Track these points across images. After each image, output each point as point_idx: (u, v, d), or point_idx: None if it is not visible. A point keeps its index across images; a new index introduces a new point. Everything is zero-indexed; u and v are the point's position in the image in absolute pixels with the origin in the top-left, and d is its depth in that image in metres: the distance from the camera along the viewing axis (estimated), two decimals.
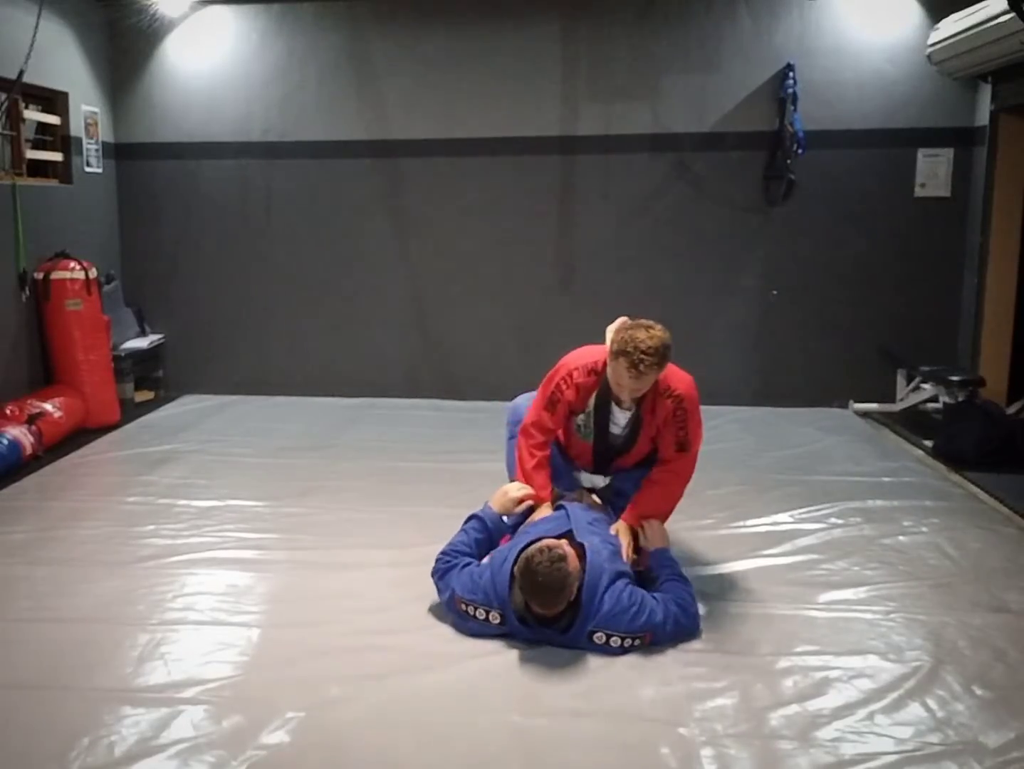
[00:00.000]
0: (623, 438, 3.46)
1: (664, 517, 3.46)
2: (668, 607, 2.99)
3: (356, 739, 2.50)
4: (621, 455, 3.53)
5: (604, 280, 6.62)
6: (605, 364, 3.30)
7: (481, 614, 2.99)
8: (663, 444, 3.40)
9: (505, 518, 3.41)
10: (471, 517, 3.38)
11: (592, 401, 3.40)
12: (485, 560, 3.19)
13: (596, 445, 3.51)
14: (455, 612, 3.09)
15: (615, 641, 2.90)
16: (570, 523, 3.18)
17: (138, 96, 6.83)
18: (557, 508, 3.38)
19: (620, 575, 3.00)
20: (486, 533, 3.31)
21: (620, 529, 3.37)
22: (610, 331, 3.34)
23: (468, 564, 3.15)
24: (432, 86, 6.54)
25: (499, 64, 6.48)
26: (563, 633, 2.91)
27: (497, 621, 2.97)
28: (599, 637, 2.90)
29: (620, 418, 3.41)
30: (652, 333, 3.11)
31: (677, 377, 3.35)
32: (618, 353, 3.12)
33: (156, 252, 6.97)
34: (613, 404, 3.38)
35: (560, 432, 3.59)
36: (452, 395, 6.72)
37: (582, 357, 3.42)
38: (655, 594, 3.05)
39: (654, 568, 3.26)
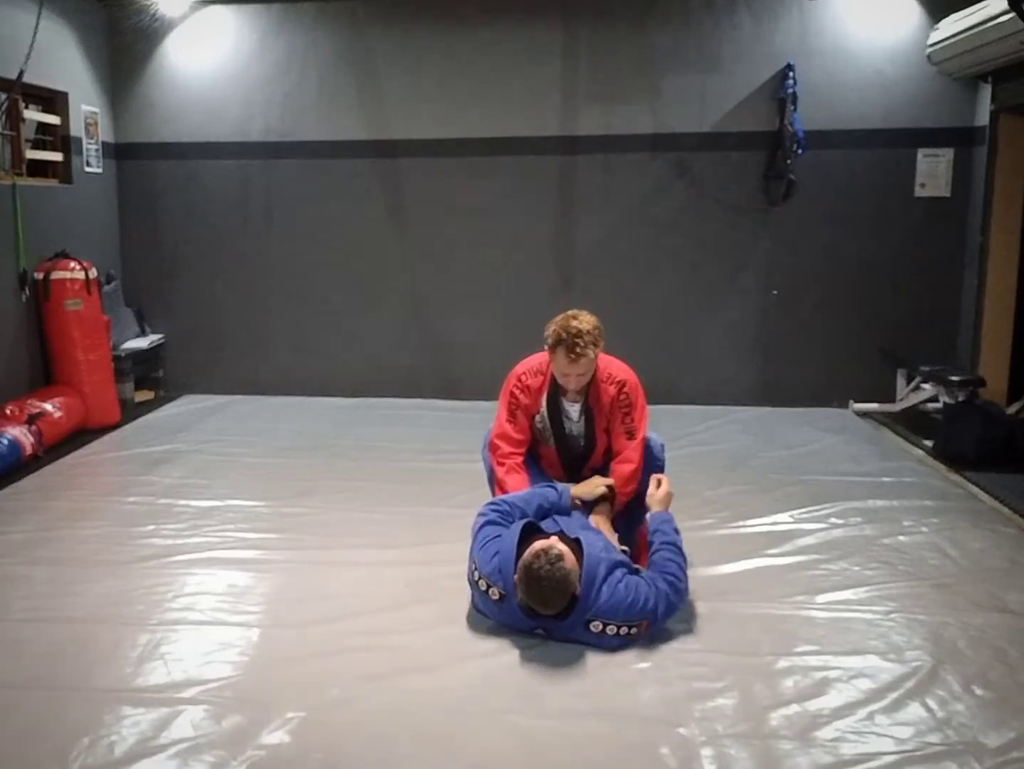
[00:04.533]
0: (581, 435, 3.58)
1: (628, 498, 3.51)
2: (659, 587, 2.99)
3: (356, 739, 2.50)
4: (586, 457, 3.61)
5: (604, 280, 6.62)
6: (549, 363, 3.49)
7: (483, 585, 3.02)
8: (615, 435, 3.53)
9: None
10: (549, 485, 3.41)
11: (544, 400, 3.55)
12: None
13: (559, 447, 3.63)
14: (468, 571, 3.12)
15: (611, 629, 2.91)
16: (558, 525, 3.20)
17: (138, 96, 6.83)
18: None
19: (617, 565, 3.02)
20: (552, 505, 3.31)
21: (598, 521, 3.40)
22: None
23: (502, 533, 3.11)
24: (432, 86, 6.54)
25: (499, 64, 6.48)
26: (561, 621, 2.92)
27: (496, 597, 2.99)
28: (595, 625, 2.90)
29: (572, 412, 3.56)
30: (581, 318, 3.35)
31: (616, 366, 3.55)
32: (554, 344, 3.35)
33: (156, 252, 6.97)
34: (562, 399, 3.54)
35: (539, 447, 3.68)
36: (452, 395, 6.72)
37: (527, 362, 3.63)
38: (644, 575, 3.04)
39: (649, 532, 3.28)
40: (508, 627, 3.03)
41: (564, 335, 3.30)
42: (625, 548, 3.34)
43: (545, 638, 2.99)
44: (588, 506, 3.54)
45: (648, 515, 3.32)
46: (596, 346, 3.35)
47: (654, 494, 3.34)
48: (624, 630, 2.92)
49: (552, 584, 2.82)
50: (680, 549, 3.19)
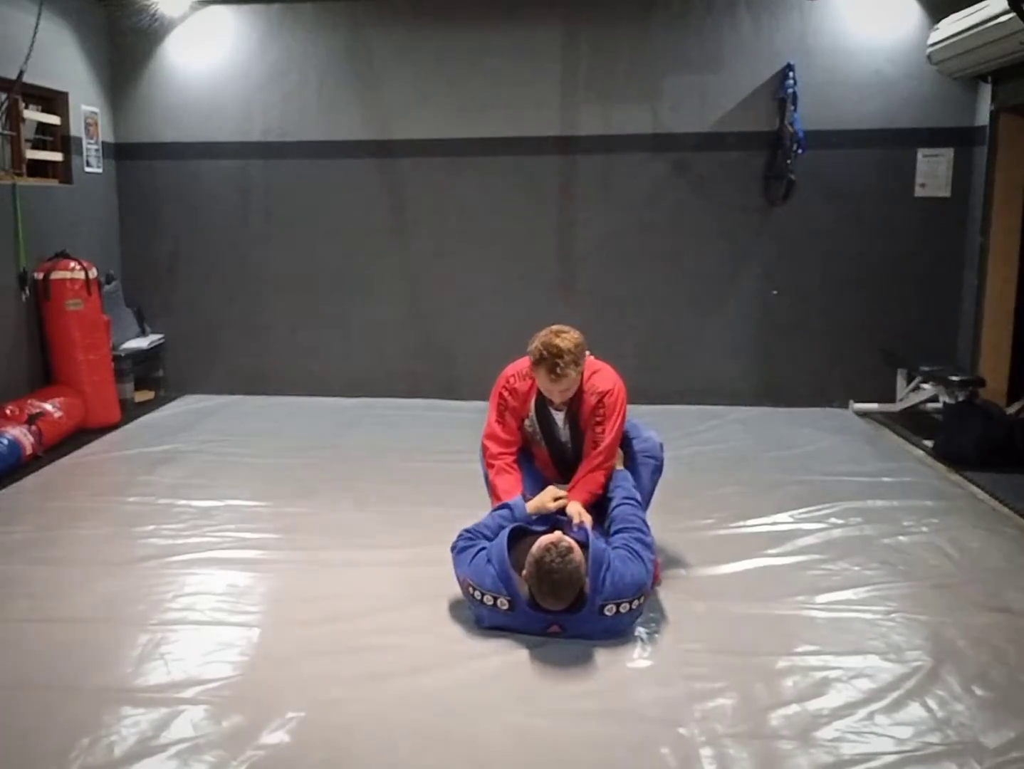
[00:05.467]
0: (568, 441, 3.59)
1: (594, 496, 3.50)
2: (636, 550, 3.08)
3: (356, 739, 2.50)
4: (576, 460, 3.60)
5: (604, 280, 6.62)
6: None
7: (489, 600, 3.02)
8: (586, 443, 3.51)
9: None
10: (503, 505, 3.40)
11: (532, 404, 3.56)
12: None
13: (550, 449, 3.64)
14: (466, 595, 3.13)
15: (624, 608, 2.97)
16: (547, 525, 3.23)
17: (138, 96, 6.83)
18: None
19: (602, 542, 3.08)
20: (511, 523, 3.29)
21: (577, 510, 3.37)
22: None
23: (483, 548, 3.14)
24: (432, 86, 6.54)
25: (499, 64, 6.48)
26: (574, 613, 2.94)
27: (506, 607, 3.00)
28: (610, 609, 2.95)
29: (558, 418, 3.57)
30: (563, 336, 3.33)
31: (602, 376, 3.53)
32: (536, 363, 3.35)
33: (156, 252, 6.97)
34: (549, 406, 3.54)
35: (532, 447, 3.69)
36: (452, 395, 6.72)
37: (517, 365, 3.62)
38: (618, 542, 3.11)
39: (610, 488, 3.40)
40: (523, 632, 3.02)
41: (545, 354, 3.30)
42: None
43: (547, 638, 2.99)
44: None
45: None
46: (577, 365, 3.35)
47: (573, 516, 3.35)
48: (635, 604, 2.99)
49: (564, 576, 2.85)
50: (640, 503, 3.33)
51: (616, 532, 3.20)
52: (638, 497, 3.36)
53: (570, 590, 2.90)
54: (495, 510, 3.39)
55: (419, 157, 6.66)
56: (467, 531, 3.28)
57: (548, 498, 3.38)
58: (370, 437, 5.79)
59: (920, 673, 2.82)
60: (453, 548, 3.26)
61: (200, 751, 2.42)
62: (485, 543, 3.18)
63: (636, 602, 2.99)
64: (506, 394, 3.58)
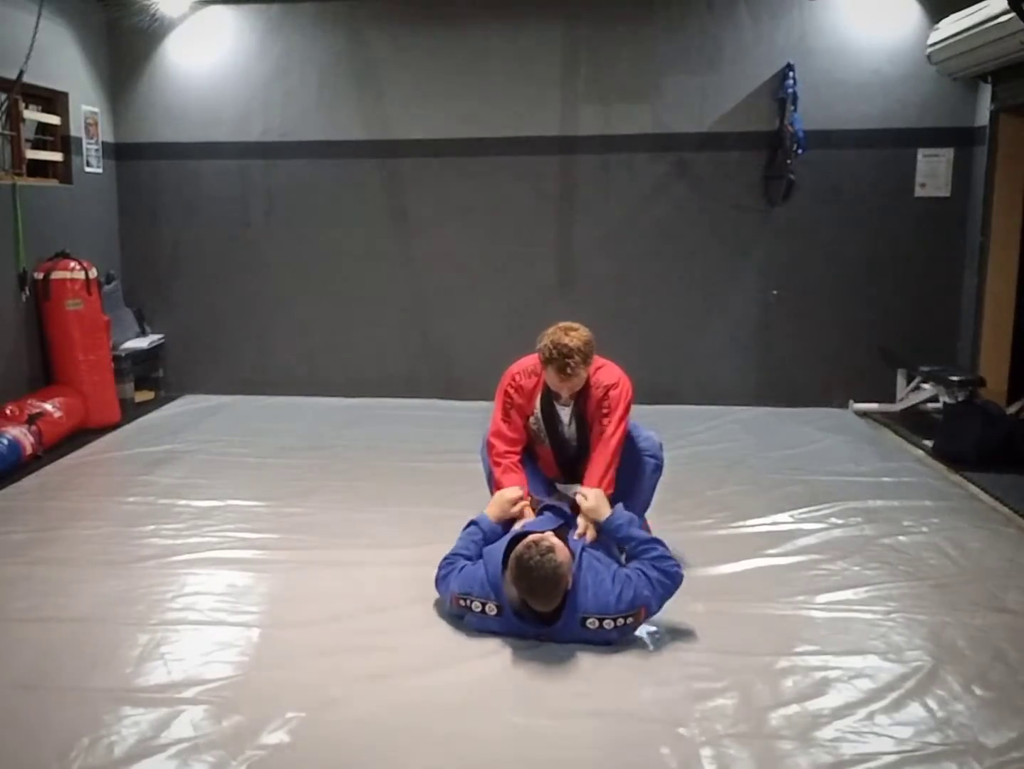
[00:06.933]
0: (573, 438, 3.60)
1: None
2: (649, 575, 3.00)
3: (356, 739, 2.50)
4: (579, 458, 3.61)
5: (604, 280, 6.62)
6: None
7: (477, 606, 3.02)
8: (592, 437, 3.52)
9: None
10: (469, 523, 3.39)
11: (538, 401, 3.58)
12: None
13: (553, 446, 3.65)
14: (455, 610, 3.11)
15: (608, 624, 2.91)
16: (557, 520, 3.23)
17: (138, 96, 6.83)
18: (540, 512, 3.39)
19: (590, 553, 3.05)
20: (482, 537, 3.30)
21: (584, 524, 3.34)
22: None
23: (465, 565, 3.16)
24: (432, 86, 6.54)
25: (499, 64, 6.48)
26: (555, 623, 2.92)
27: (494, 613, 2.99)
28: (592, 623, 2.91)
29: (564, 414, 3.59)
30: (572, 335, 3.34)
31: (607, 371, 3.56)
32: (547, 362, 3.37)
33: (156, 252, 6.97)
34: (555, 402, 3.56)
35: (535, 447, 3.69)
36: (452, 395, 6.72)
37: (522, 363, 3.63)
38: (631, 568, 3.04)
39: (616, 540, 3.23)
40: (515, 636, 3.02)
41: (555, 354, 3.31)
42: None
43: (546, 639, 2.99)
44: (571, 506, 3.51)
45: (604, 522, 3.24)
46: (587, 363, 3.37)
47: (589, 506, 3.27)
48: (621, 621, 2.93)
49: (542, 574, 2.83)
50: (655, 540, 3.15)
51: (633, 556, 3.13)
52: (648, 536, 3.21)
53: (549, 588, 2.86)
54: (465, 529, 3.37)
55: (419, 157, 6.66)
56: (445, 559, 3.26)
57: (506, 504, 3.36)
58: (370, 437, 5.79)
59: (920, 673, 2.82)
60: (436, 580, 3.24)
61: (200, 751, 2.42)
62: (464, 561, 3.17)
63: (622, 620, 2.93)
64: (512, 391, 3.59)
